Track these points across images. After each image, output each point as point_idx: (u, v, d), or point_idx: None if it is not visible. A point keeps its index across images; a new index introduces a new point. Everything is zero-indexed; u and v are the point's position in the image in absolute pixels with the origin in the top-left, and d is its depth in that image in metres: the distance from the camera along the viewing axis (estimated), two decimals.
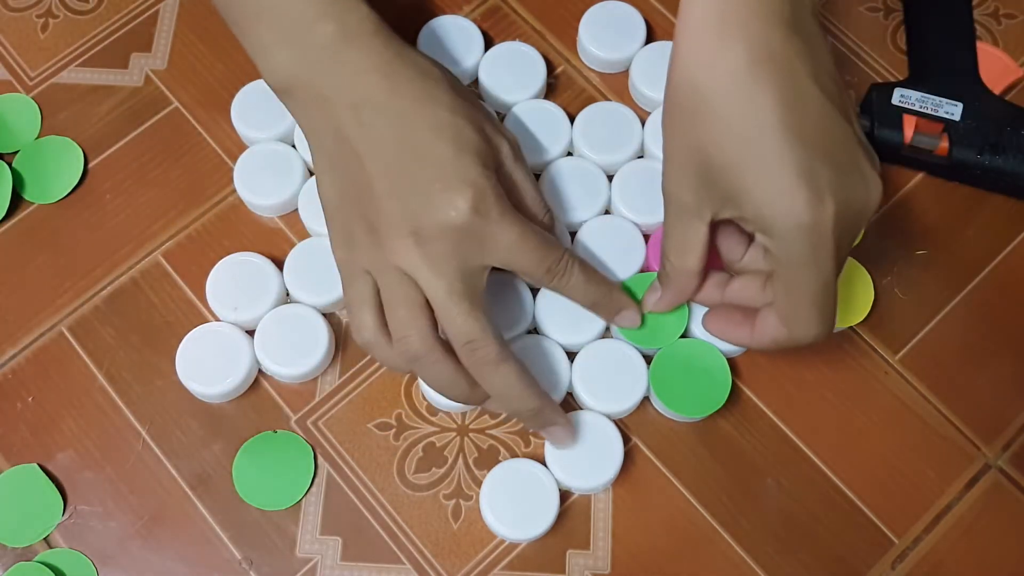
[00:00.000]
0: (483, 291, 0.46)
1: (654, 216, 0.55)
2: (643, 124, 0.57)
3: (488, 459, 0.52)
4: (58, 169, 0.58)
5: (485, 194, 0.45)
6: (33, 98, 0.60)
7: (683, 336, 0.53)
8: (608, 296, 0.50)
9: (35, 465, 0.52)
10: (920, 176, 0.59)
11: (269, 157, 0.56)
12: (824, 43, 0.44)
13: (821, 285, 0.44)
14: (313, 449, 0.52)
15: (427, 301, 0.45)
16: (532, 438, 0.52)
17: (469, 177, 0.45)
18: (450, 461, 0.52)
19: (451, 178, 0.45)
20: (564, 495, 0.51)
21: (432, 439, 0.53)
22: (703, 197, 0.45)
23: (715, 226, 0.46)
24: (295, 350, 0.52)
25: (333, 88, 0.46)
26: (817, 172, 0.41)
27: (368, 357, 0.54)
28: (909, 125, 0.57)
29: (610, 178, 0.56)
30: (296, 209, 0.56)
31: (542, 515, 0.50)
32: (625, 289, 0.53)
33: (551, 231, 0.50)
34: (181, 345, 0.53)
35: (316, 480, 0.52)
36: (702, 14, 0.43)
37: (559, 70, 0.61)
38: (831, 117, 0.43)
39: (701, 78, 0.43)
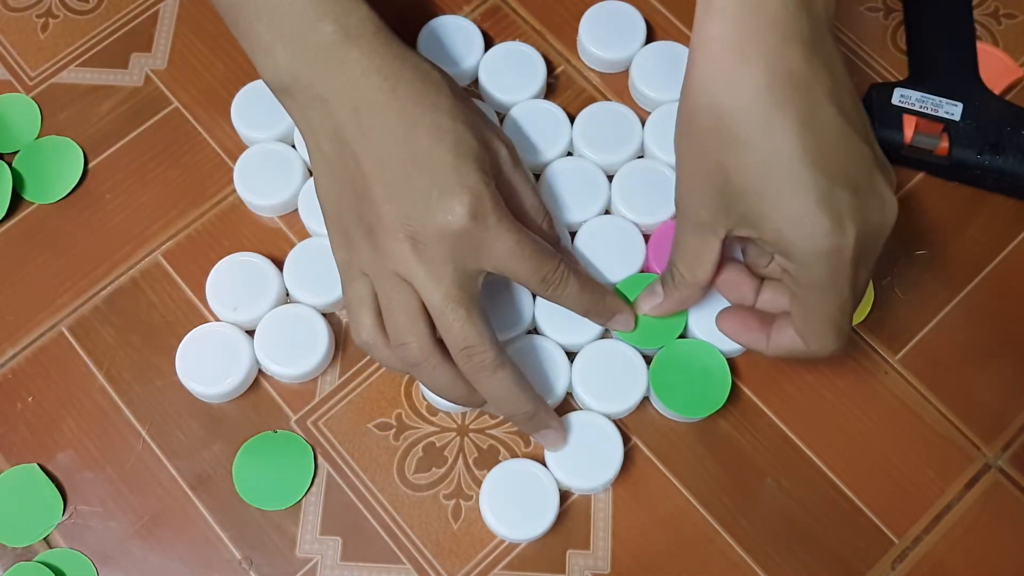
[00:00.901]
0: (479, 296, 0.46)
1: (654, 216, 0.55)
2: (643, 124, 0.57)
3: (488, 459, 0.52)
4: (58, 169, 0.58)
5: (483, 200, 0.45)
6: (33, 98, 0.60)
7: (682, 336, 0.53)
8: (602, 302, 0.50)
9: (35, 465, 0.52)
10: (920, 176, 0.59)
11: (269, 157, 0.56)
12: (840, 60, 0.44)
13: (838, 306, 0.44)
14: (313, 449, 0.52)
15: (424, 305, 0.45)
16: (532, 438, 0.52)
17: (467, 183, 0.45)
18: (450, 461, 0.52)
19: (449, 183, 0.44)
20: (564, 495, 0.51)
21: (432, 439, 0.53)
22: (719, 215, 0.45)
23: (728, 239, 0.46)
24: (295, 350, 0.52)
25: (333, 89, 0.46)
26: (837, 197, 0.42)
27: (368, 357, 0.54)
28: (909, 125, 0.57)
29: (610, 178, 0.56)
30: (296, 209, 0.56)
31: (542, 515, 0.50)
32: (623, 289, 0.53)
33: (550, 236, 0.50)
34: (181, 345, 0.53)
35: (316, 480, 0.52)
36: (720, 32, 0.42)
37: (559, 70, 0.61)
38: (850, 138, 0.43)
39: (720, 99, 0.42)
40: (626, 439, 0.52)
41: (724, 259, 0.48)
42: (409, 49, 0.48)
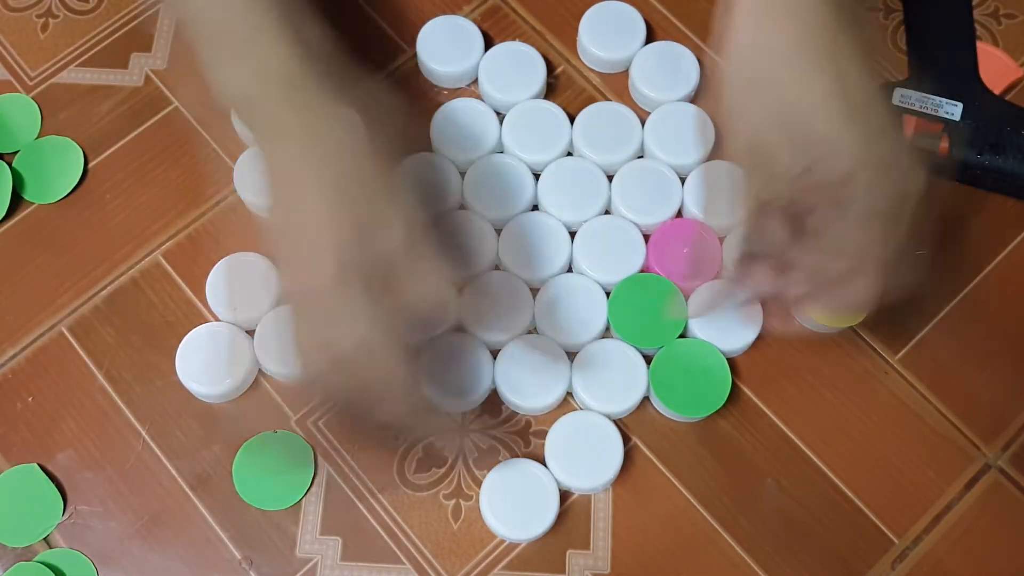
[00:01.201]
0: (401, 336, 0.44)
1: (654, 216, 0.55)
2: (643, 124, 0.57)
3: (488, 459, 0.52)
4: (58, 169, 0.58)
5: (414, 232, 0.43)
6: (33, 98, 0.60)
7: (682, 336, 0.53)
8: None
9: (35, 465, 0.52)
10: None
11: None
12: (867, 18, 0.45)
13: (892, 250, 0.45)
14: (313, 449, 0.52)
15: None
16: (532, 438, 0.52)
17: (401, 215, 0.43)
18: (450, 461, 0.52)
19: (385, 213, 0.43)
20: (564, 495, 0.51)
21: (432, 439, 0.53)
22: (782, 149, 0.45)
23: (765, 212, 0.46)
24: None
25: (284, 116, 0.44)
26: (862, 130, 0.43)
27: None
28: (909, 125, 0.57)
29: (610, 178, 0.56)
30: None
31: (542, 515, 0.50)
32: (623, 289, 0.53)
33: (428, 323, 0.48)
34: (181, 345, 0.53)
35: (316, 480, 0.52)
36: None
37: (559, 70, 0.61)
38: (879, 101, 0.44)
39: (756, 60, 0.44)
40: (626, 439, 0.52)
41: (746, 258, 0.48)
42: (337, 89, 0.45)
